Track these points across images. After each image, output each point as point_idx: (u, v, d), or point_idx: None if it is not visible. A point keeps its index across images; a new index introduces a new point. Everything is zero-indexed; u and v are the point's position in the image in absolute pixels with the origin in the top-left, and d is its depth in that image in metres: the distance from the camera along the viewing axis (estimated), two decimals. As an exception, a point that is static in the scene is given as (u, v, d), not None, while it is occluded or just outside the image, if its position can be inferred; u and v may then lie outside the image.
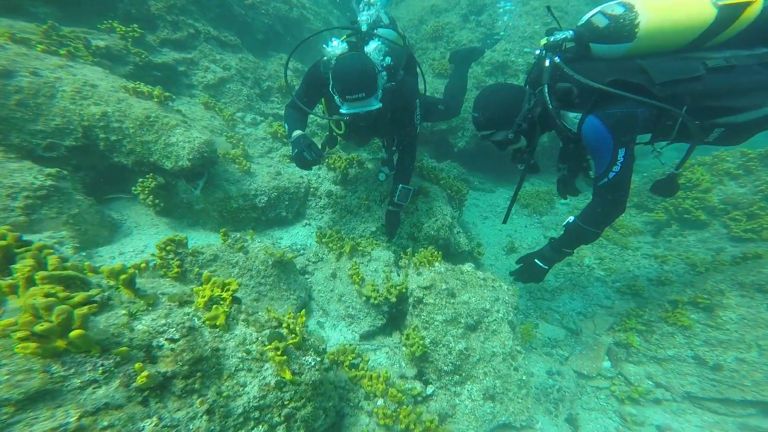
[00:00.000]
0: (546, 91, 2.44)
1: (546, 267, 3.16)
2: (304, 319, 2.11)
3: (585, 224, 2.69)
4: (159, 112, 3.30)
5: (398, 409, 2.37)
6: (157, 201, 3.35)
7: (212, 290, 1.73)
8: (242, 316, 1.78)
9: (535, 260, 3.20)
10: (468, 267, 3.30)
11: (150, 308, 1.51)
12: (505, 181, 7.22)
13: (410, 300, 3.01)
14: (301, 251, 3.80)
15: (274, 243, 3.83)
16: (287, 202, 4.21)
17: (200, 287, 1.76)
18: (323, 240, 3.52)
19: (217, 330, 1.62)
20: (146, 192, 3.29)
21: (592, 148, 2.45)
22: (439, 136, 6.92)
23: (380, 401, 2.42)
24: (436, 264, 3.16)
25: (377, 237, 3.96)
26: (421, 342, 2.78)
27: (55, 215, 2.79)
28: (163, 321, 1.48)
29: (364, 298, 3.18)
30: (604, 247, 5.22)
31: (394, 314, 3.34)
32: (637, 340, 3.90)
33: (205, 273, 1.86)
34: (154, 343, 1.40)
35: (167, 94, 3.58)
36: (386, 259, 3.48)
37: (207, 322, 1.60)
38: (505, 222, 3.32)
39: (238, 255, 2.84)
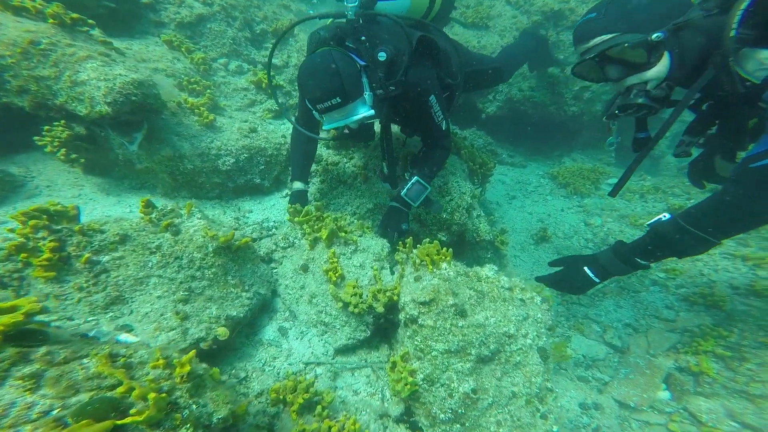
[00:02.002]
0: (744, 6, 1.39)
1: (597, 280, 2.21)
2: (192, 356, 1.28)
3: (695, 226, 1.68)
4: (58, 38, 2.39)
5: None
6: (75, 156, 2.54)
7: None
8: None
9: (585, 268, 2.24)
10: (488, 271, 2.38)
11: None
12: (540, 155, 6.07)
13: (402, 316, 2.15)
14: (272, 231, 2.96)
15: (238, 219, 3.01)
16: (263, 167, 3.34)
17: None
18: (296, 218, 2.66)
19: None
20: (55, 144, 2.47)
21: None
22: (465, 98, 5.77)
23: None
24: (444, 265, 2.25)
25: (373, 217, 3.07)
26: (411, 380, 1.95)
27: None
28: None
29: (340, 304, 2.35)
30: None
31: (382, 324, 2.52)
32: (715, 367, 2.94)
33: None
34: None
35: (75, 16, 2.62)
36: (377, 250, 2.60)
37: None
38: (613, 195, 2.25)
39: (163, 237, 2.02)
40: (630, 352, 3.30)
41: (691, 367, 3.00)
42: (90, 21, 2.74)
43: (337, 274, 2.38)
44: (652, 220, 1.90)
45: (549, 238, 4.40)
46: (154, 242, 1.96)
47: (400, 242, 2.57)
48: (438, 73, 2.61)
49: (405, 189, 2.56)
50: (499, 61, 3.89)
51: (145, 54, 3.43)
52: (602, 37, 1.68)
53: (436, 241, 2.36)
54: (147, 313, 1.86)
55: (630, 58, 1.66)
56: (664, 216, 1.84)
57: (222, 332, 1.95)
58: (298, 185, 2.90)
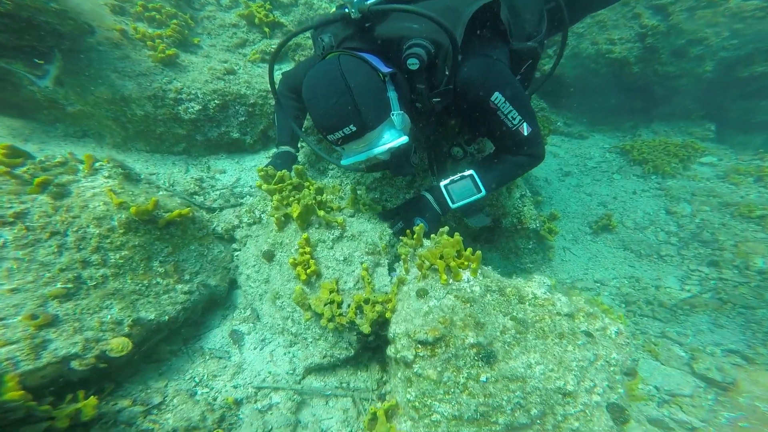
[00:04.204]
0: None
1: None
2: None
3: None
4: None
5: None
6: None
7: None
8: None
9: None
10: (537, 287, 1.53)
11: None
12: (607, 125, 4.90)
13: (391, 351, 1.37)
14: (244, 199, 2.25)
15: (201, 180, 2.30)
16: (243, 118, 2.58)
17: None
18: (264, 186, 1.90)
19: None
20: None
21: None
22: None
23: None
24: (465, 276, 1.43)
25: (381, 189, 2.28)
26: (395, 459, 1.22)
27: None
28: None
29: (309, 315, 1.62)
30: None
31: (372, 343, 1.79)
32: None
33: None
34: None
35: None
36: (373, 239, 1.82)
37: None
38: None
39: (34, 200, 1.34)
40: (738, 389, 2.37)
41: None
42: None
43: (309, 271, 1.64)
44: None
45: (613, 227, 3.39)
46: (12, 208, 1.29)
47: (408, 231, 1.76)
48: (510, 47, 1.82)
49: (449, 180, 1.88)
50: None
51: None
52: None
53: (457, 235, 1.52)
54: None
55: None
56: None
57: (117, 345, 1.30)
58: (284, 147, 2.19)
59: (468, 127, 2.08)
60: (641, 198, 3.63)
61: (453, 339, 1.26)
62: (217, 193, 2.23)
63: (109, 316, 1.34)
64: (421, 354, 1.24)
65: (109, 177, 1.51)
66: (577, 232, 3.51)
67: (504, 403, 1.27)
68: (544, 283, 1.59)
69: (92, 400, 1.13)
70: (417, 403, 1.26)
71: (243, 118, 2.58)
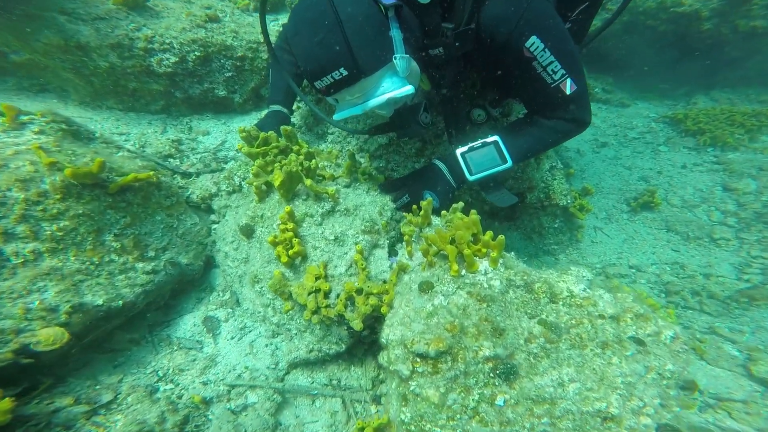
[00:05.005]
0: None
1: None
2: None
3: None
4: None
5: None
6: None
7: None
8: None
9: None
10: (574, 284, 1.20)
11: None
12: (654, 93, 4.35)
13: (383, 360, 1.08)
14: (222, 167, 1.95)
15: (179, 142, 2.01)
16: (230, 74, 2.24)
17: None
18: (245, 148, 1.59)
19: None
20: None
21: None
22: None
23: None
24: (483, 267, 1.11)
25: (387, 157, 1.96)
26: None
27: None
28: None
29: (289, 305, 1.35)
30: None
31: (367, 338, 1.52)
32: None
33: None
34: None
35: None
36: (371, 215, 1.50)
37: None
38: None
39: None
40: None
41: None
42: None
43: (291, 252, 1.35)
44: None
45: (656, 205, 2.95)
46: None
47: (414, 206, 1.43)
48: None
49: (467, 147, 1.55)
50: None
51: None
52: None
53: (474, 213, 1.18)
54: None
55: None
56: None
57: (47, 337, 1.07)
58: (275, 107, 1.86)
59: (493, 84, 1.69)
60: (692, 173, 3.13)
61: (462, 351, 0.96)
62: (198, 156, 1.94)
63: (37, 302, 1.10)
64: (420, 370, 0.95)
65: (40, 133, 1.22)
66: (612, 209, 3.09)
67: (528, 430, 0.98)
68: (583, 276, 1.25)
69: (5, 402, 0.90)
70: (413, 427, 0.98)
71: (230, 74, 2.24)
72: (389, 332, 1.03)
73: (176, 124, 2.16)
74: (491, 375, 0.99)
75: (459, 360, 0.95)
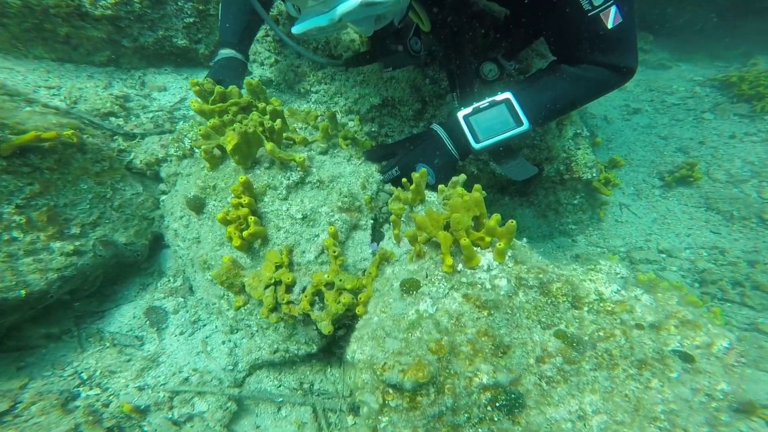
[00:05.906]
0: None
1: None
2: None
3: None
4: None
5: None
6: None
7: None
8: None
9: None
10: (604, 285, 0.90)
11: None
12: (703, 53, 3.83)
13: (351, 383, 0.83)
14: (177, 127, 1.66)
15: (126, 98, 1.71)
16: (192, 19, 1.96)
17: None
18: (198, 105, 1.29)
19: None
20: None
21: None
22: None
23: None
24: (486, 262, 0.82)
25: (381, 121, 1.65)
26: None
27: None
28: None
29: (241, 300, 1.10)
30: None
31: (341, 338, 1.27)
32: None
33: None
34: None
35: None
36: (350, 188, 1.21)
37: None
38: None
39: None
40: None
41: None
42: None
43: (247, 233, 1.08)
44: None
45: (695, 180, 2.58)
46: None
47: (404, 180, 1.14)
48: None
49: (471, 108, 1.23)
50: None
51: None
52: None
53: (477, 190, 0.87)
54: None
55: None
56: None
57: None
58: (226, 51, 1.48)
59: (512, 24, 1.32)
60: (742, 143, 2.71)
61: (451, 378, 0.69)
62: (149, 116, 1.65)
63: None
64: (392, 404, 0.69)
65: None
66: (642, 184, 2.72)
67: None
68: (617, 274, 0.95)
69: None
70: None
71: (191, 20, 1.89)
72: (356, 348, 0.77)
73: (126, 78, 1.85)
74: (489, 408, 0.72)
75: (446, 391, 0.68)
